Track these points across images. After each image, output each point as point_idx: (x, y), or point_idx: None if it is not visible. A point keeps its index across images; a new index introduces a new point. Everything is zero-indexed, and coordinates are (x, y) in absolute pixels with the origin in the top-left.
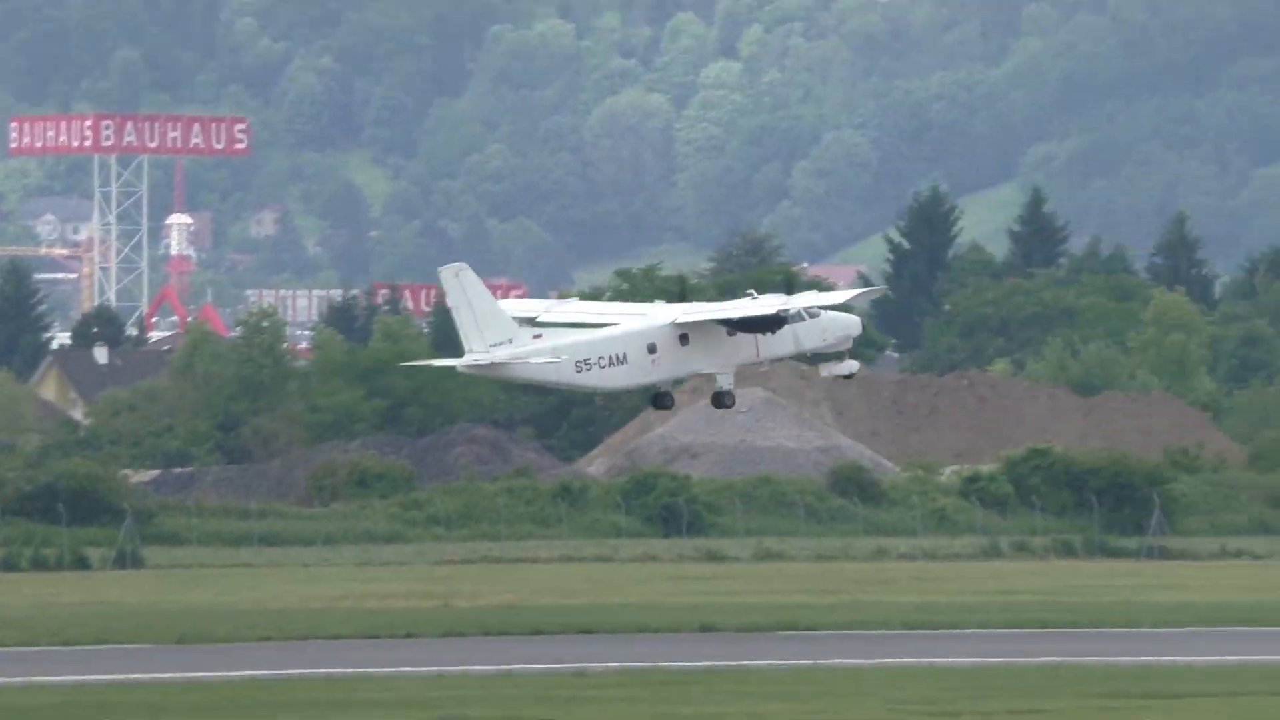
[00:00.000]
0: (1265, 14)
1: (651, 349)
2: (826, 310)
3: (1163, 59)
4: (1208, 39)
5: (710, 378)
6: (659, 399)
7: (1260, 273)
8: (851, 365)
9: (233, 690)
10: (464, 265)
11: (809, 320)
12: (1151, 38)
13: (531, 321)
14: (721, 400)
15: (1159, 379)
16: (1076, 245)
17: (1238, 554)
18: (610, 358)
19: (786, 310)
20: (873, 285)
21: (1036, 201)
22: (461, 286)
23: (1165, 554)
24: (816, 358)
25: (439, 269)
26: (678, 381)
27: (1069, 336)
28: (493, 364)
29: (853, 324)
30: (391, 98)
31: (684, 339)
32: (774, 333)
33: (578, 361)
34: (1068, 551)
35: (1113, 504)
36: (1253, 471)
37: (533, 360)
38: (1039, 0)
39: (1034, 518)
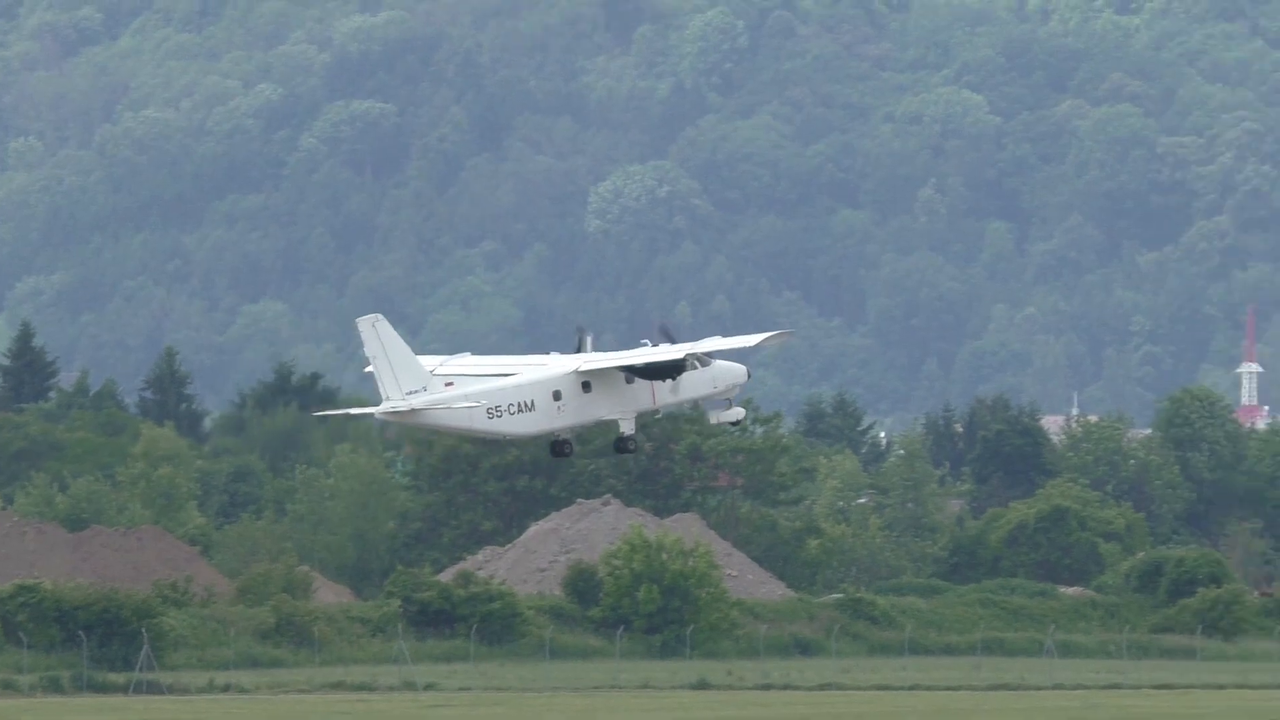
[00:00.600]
0: (251, 153)
1: (557, 396)
2: (716, 360)
3: (150, 194)
4: (195, 175)
5: (612, 424)
6: (558, 447)
7: (249, 407)
8: (739, 412)
9: None
10: (380, 316)
11: (702, 368)
12: (139, 173)
13: (430, 374)
14: (624, 445)
15: (149, 513)
16: (66, 380)
17: (226, 688)
18: (519, 405)
19: (692, 356)
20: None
21: (25, 335)
22: (378, 337)
23: (154, 689)
24: (705, 405)
25: (357, 320)
26: (581, 428)
27: (57, 470)
28: (411, 410)
29: (741, 373)
30: None
31: (587, 386)
32: (674, 379)
33: (489, 409)
34: (55, 688)
35: (102, 639)
36: (241, 605)
37: (452, 406)
38: (26, 134)
39: (21, 655)
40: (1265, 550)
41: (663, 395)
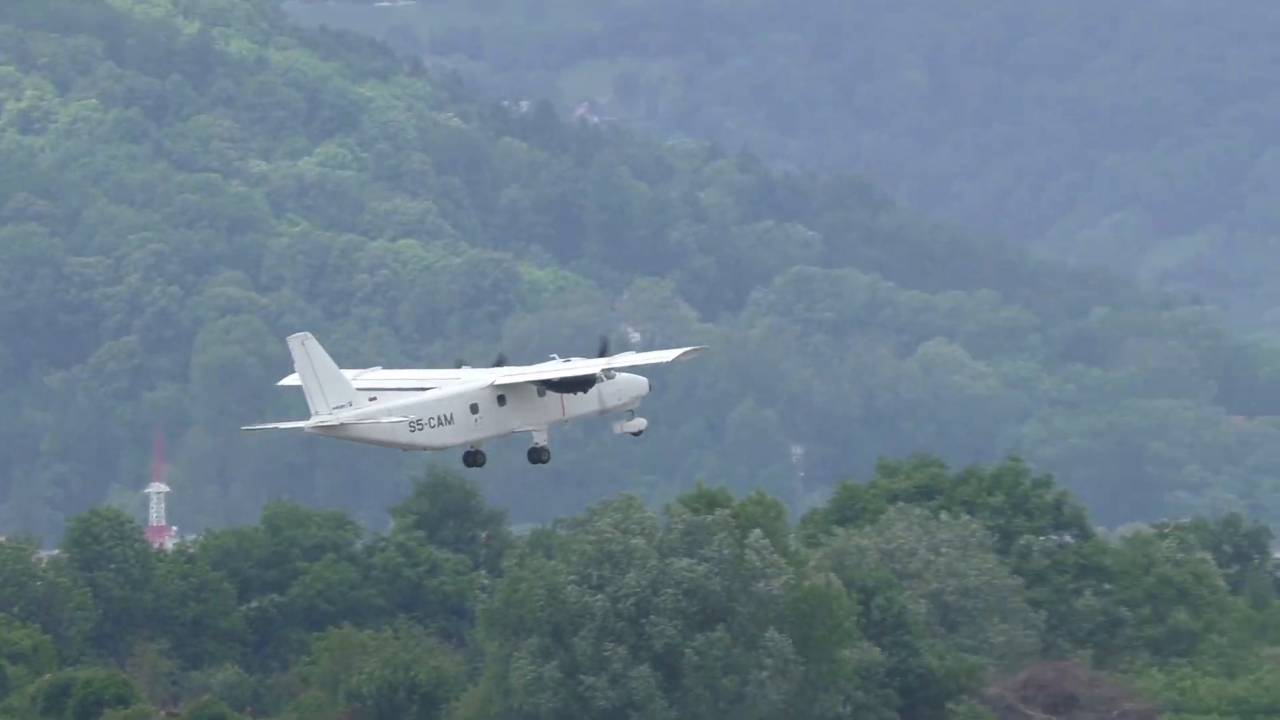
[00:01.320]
0: None
1: (474, 409)
2: (620, 372)
3: None
4: None
5: (526, 435)
6: (471, 457)
7: None
8: (641, 423)
9: None
10: (309, 335)
11: (608, 381)
12: None
13: (355, 390)
14: (538, 456)
15: None
16: None
17: None
18: (439, 418)
19: (609, 371)
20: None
21: None
22: (307, 354)
23: None
24: (609, 416)
25: (287, 338)
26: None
27: None
28: (340, 424)
29: (643, 385)
30: None
31: (502, 400)
32: (584, 392)
33: (411, 422)
34: None
35: None
36: None
37: (378, 420)
38: None
39: None
40: (173, 670)
41: (573, 407)
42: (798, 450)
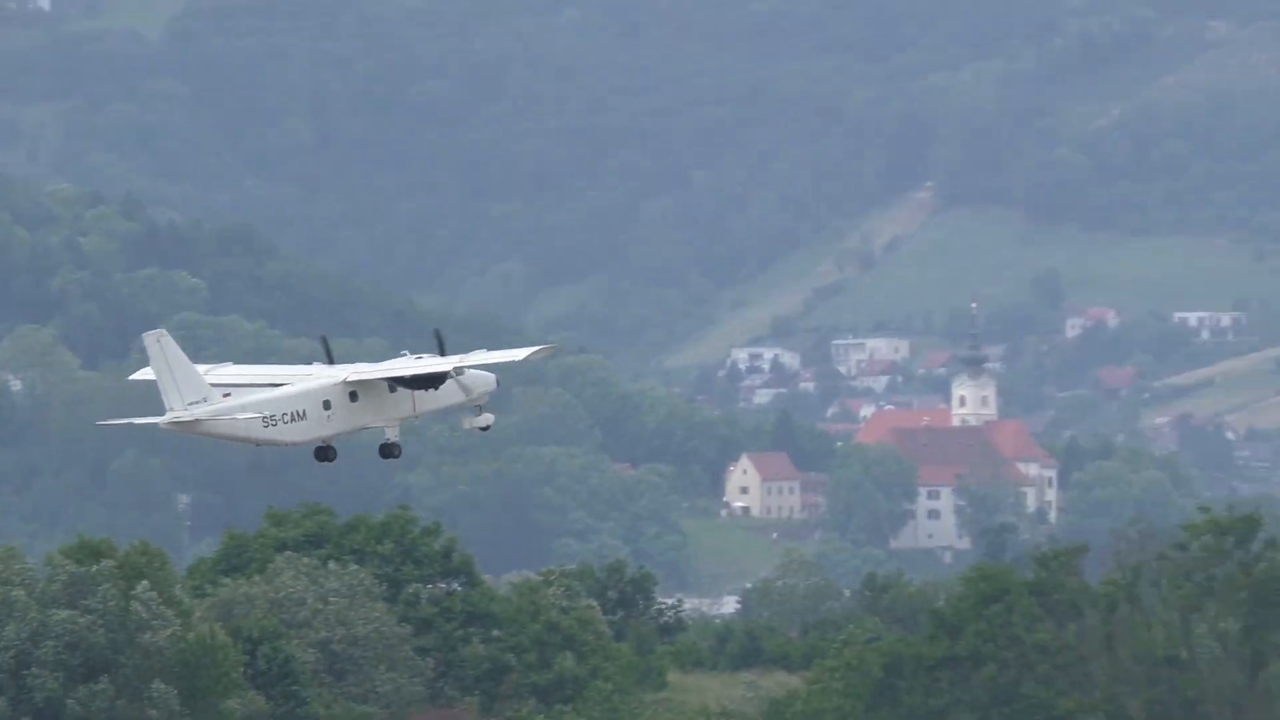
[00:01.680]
0: None
1: (327, 405)
2: (471, 369)
3: None
4: None
5: (379, 431)
6: (322, 452)
7: None
8: (489, 418)
9: None
10: (163, 332)
11: (458, 377)
12: None
13: (209, 386)
14: (390, 451)
15: None
16: None
17: None
18: (293, 414)
19: (459, 368)
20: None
21: None
22: (163, 352)
23: None
24: (459, 411)
25: (143, 335)
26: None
27: None
28: (194, 421)
29: (491, 381)
30: None
31: (354, 396)
32: (435, 389)
33: (265, 418)
34: None
35: None
36: None
37: (234, 417)
38: None
39: None
40: None
41: (423, 403)
42: (184, 499)
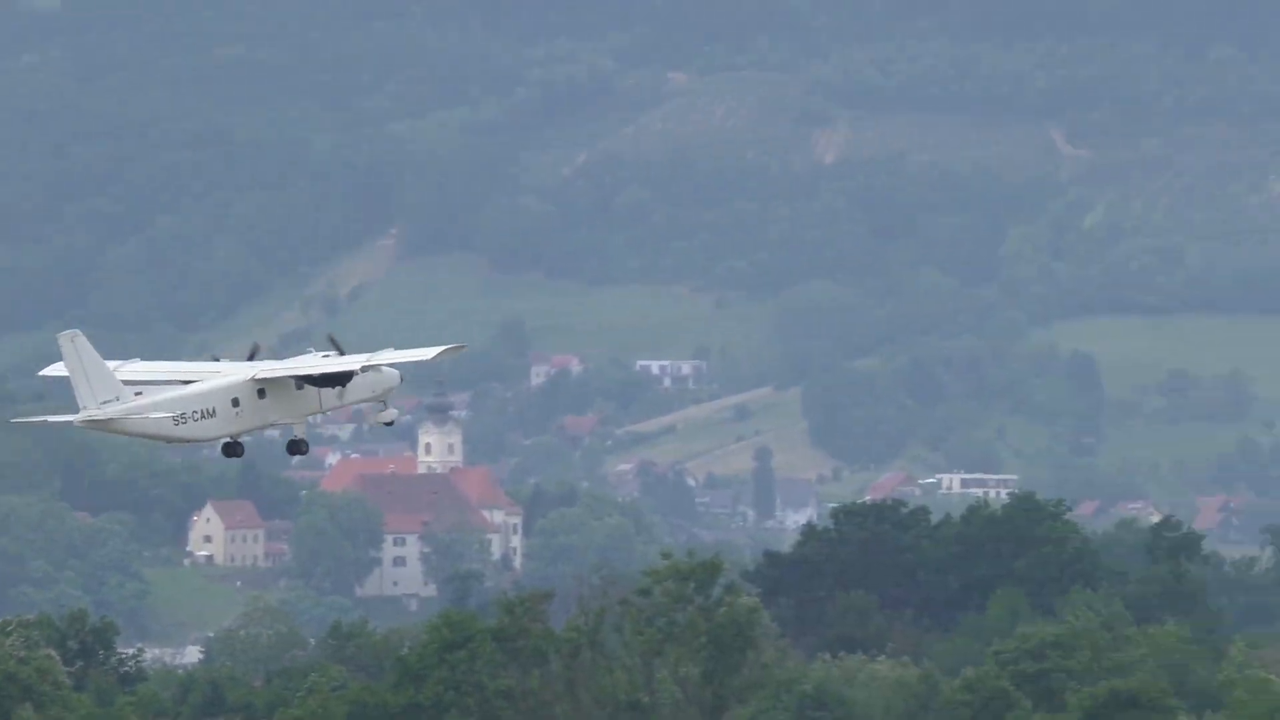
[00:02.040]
0: None
1: (235, 403)
2: (376, 366)
3: None
4: None
5: (286, 427)
6: (230, 448)
7: None
8: (393, 413)
9: None
10: (78, 332)
11: (362, 375)
12: None
13: (122, 385)
14: (297, 448)
15: None
16: None
17: None
18: (203, 411)
19: (369, 367)
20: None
21: None
22: (76, 351)
23: None
24: (364, 407)
25: (57, 335)
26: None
27: None
28: (108, 419)
29: (395, 377)
30: None
31: (261, 393)
32: (342, 386)
33: (175, 416)
34: None
35: None
36: None
37: (147, 415)
38: None
39: None
40: None
41: (329, 400)
42: None
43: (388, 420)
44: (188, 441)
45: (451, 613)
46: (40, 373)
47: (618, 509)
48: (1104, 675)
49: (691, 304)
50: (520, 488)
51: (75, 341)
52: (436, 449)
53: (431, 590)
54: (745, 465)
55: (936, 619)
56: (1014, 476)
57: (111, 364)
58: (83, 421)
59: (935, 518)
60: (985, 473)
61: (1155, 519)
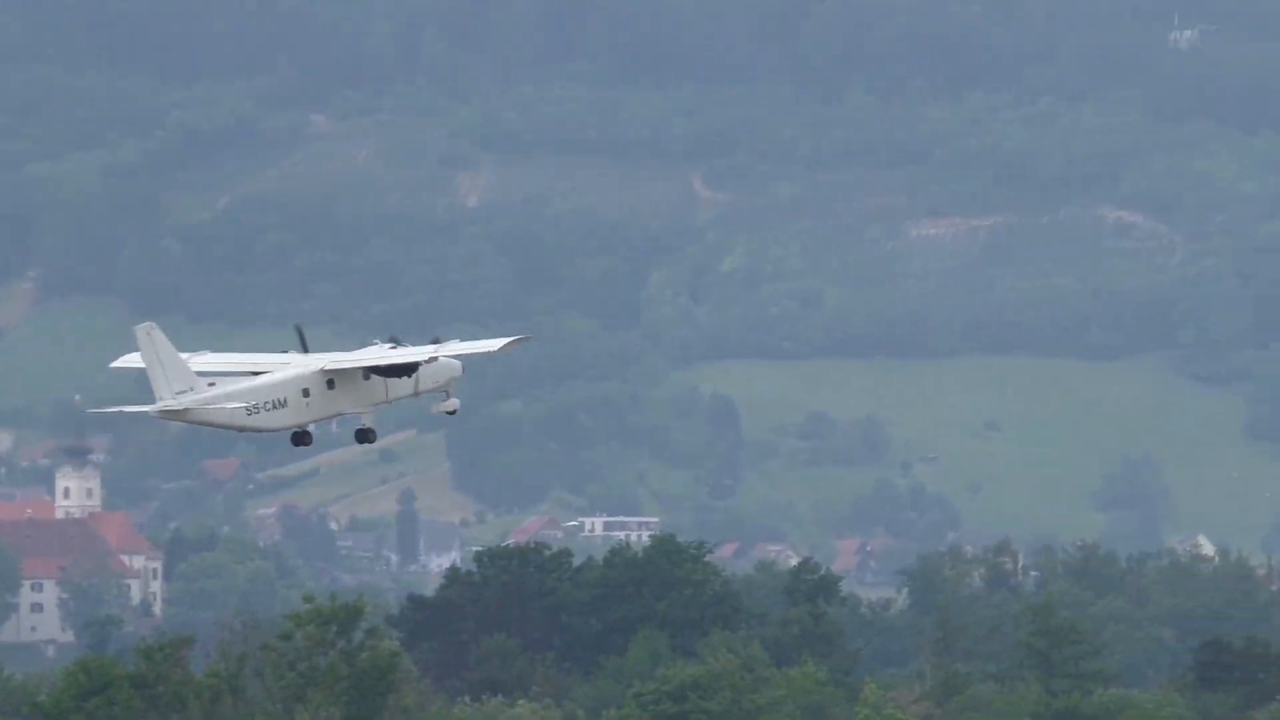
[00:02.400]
0: None
1: (305, 393)
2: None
3: None
4: None
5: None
6: (298, 437)
7: None
8: (456, 402)
9: None
10: (153, 325)
11: (427, 365)
12: None
13: (195, 375)
14: (365, 436)
15: None
16: None
17: None
18: (274, 402)
19: (435, 358)
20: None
21: None
22: (152, 343)
23: None
24: (427, 397)
25: (134, 327)
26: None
27: None
28: (183, 409)
29: (457, 368)
30: None
31: (330, 384)
32: (407, 377)
33: (248, 406)
34: None
35: None
36: None
37: (221, 405)
38: None
39: None
40: None
41: (395, 390)
42: None
43: (451, 409)
44: (259, 430)
45: (89, 659)
46: (112, 364)
47: (259, 553)
48: (743, 716)
49: (333, 348)
50: (160, 532)
51: (151, 334)
52: (75, 493)
53: (70, 636)
54: (389, 508)
55: (579, 661)
56: (656, 519)
57: (183, 355)
58: (158, 412)
59: (578, 560)
60: (628, 515)
61: (794, 561)
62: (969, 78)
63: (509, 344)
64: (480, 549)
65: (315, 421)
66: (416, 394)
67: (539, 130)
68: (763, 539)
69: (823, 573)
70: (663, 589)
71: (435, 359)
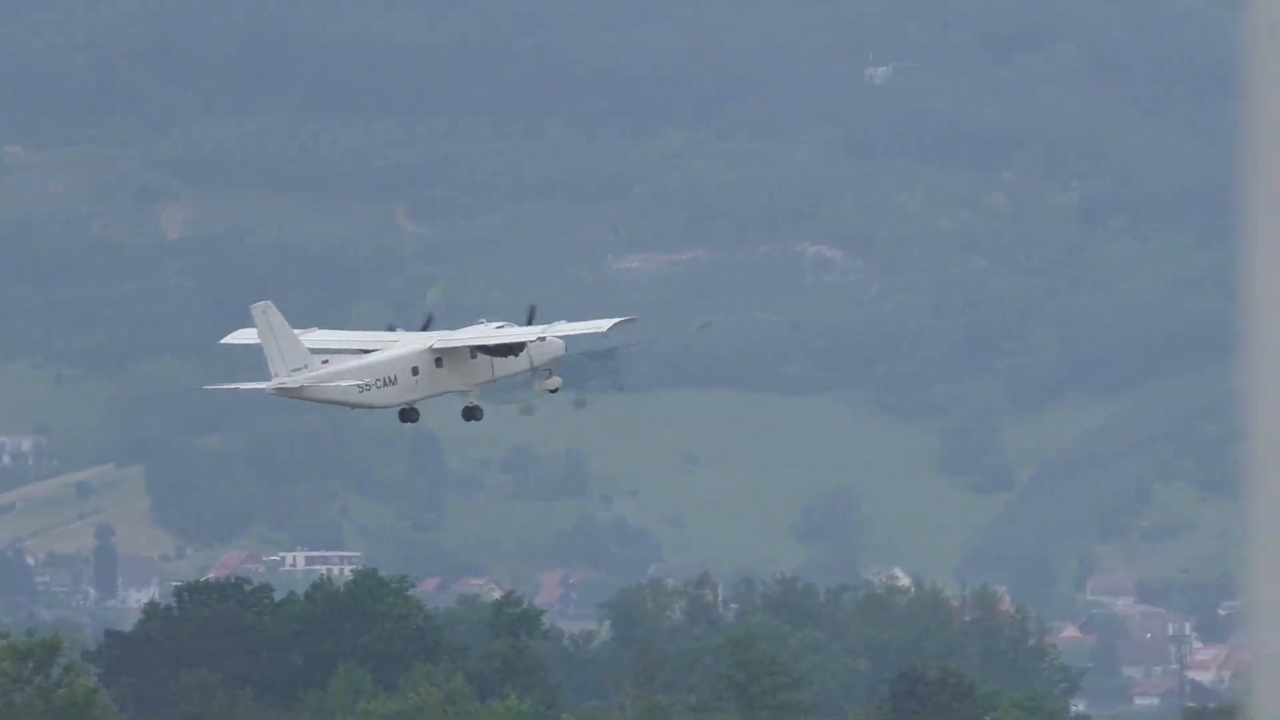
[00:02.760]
0: None
1: (415, 371)
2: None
3: None
4: None
5: (461, 394)
6: (406, 414)
7: None
8: (558, 381)
9: None
10: (269, 303)
11: (532, 345)
12: None
13: (310, 354)
14: (472, 414)
15: None
16: None
17: None
18: (385, 379)
19: (543, 338)
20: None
21: None
22: (268, 322)
23: None
24: (529, 375)
25: (251, 306)
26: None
27: None
28: (299, 387)
29: (560, 347)
30: None
31: (439, 362)
32: (515, 356)
33: (360, 384)
34: None
35: None
36: None
37: (335, 383)
38: None
39: None
40: None
41: (500, 368)
42: None
43: (553, 388)
44: (370, 407)
45: None
46: (221, 340)
47: None
48: None
49: (30, 380)
50: None
51: (267, 312)
52: None
53: None
54: (87, 543)
55: (280, 696)
56: (358, 553)
57: (294, 332)
58: (274, 389)
59: (279, 595)
60: (330, 550)
61: (497, 595)
62: (668, 114)
63: (617, 324)
64: (180, 583)
65: (424, 399)
66: (520, 371)
67: (239, 162)
68: (466, 573)
69: (525, 606)
70: (364, 623)
71: (543, 339)
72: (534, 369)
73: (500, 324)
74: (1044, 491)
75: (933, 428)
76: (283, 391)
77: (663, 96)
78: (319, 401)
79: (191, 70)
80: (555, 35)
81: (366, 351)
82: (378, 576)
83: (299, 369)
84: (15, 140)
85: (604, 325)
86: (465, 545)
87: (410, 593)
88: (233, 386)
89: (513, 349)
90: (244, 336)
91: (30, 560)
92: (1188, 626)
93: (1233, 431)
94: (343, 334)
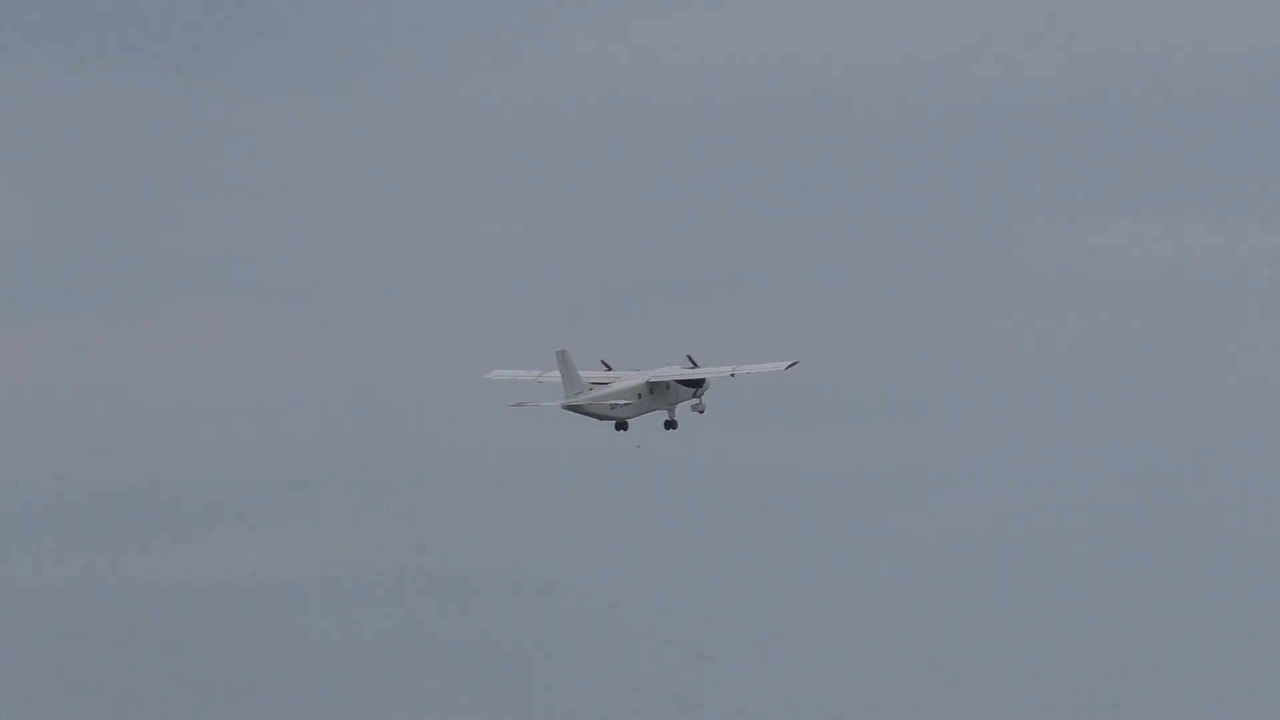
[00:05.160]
0: None
1: (640, 395)
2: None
3: None
4: None
5: (665, 412)
6: (621, 425)
7: None
8: (704, 404)
9: None
10: (566, 349)
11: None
12: None
13: (585, 382)
14: (672, 425)
15: None
16: None
17: None
18: (625, 401)
19: (731, 373)
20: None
21: None
22: (566, 363)
23: None
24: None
25: (556, 351)
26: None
27: None
28: (583, 404)
29: (710, 380)
30: None
31: (653, 390)
32: (697, 387)
33: (614, 403)
34: None
35: None
36: None
37: (601, 401)
38: None
39: None
40: None
41: (683, 395)
42: None
43: (702, 409)
44: (613, 418)
45: None
46: (486, 375)
47: None
48: None
49: None
50: None
51: (564, 356)
52: None
53: None
54: None
55: None
56: None
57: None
58: (567, 405)
59: None
60: None
61: None
62: None
63: (790, 366)
64: None
65: (641, 414)
66: (692, 399)
67: None
68: None
69: None
70: None
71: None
72: (698, 395)
73: (695, 365)
74: None
75: None
76: (572, 407)
77: None
78: (587, 415)
79: None
80: None
81: (605, 383)
82: None
83: (579, 393)
84: None
85: (780, 366)
86: None
87: None
88: (535, 404)
89: (698, 382)
90: (503, 374)
91: None
92: None
93: None
94: (591, 373)
